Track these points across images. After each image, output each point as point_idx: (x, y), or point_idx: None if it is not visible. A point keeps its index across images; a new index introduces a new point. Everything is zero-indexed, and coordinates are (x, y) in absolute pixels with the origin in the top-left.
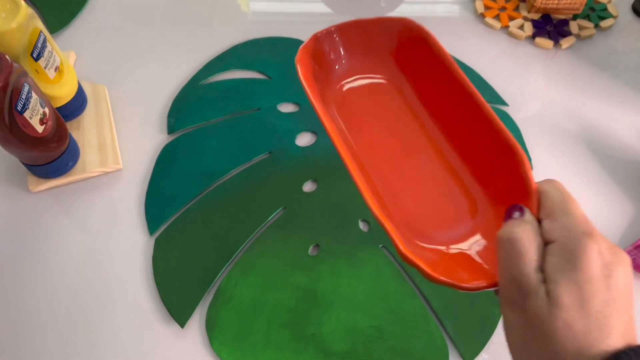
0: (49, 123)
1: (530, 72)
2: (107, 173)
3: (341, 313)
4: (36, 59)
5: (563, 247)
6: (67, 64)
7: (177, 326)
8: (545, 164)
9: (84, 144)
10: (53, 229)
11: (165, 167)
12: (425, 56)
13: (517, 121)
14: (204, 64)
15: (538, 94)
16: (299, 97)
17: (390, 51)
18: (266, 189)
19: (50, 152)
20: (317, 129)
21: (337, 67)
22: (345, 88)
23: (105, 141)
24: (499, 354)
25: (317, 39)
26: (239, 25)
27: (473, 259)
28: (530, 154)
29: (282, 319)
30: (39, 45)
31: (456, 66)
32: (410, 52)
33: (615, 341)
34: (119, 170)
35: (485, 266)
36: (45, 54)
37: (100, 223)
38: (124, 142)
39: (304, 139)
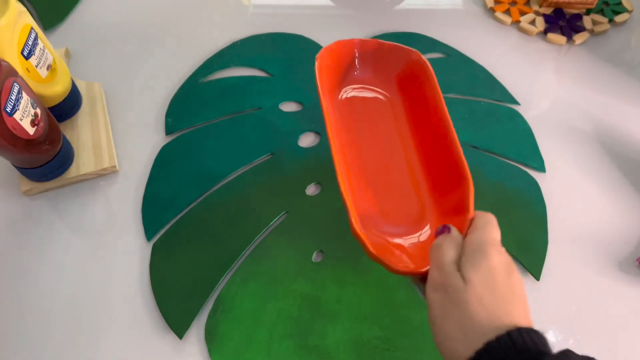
0: (41, 124)
1: (542, 69)
2: (102, 175)
3: (346, 323)
4: (27, 57)
5: (474, 249)
6: (60, 62)
7: (174, 337)
8: (558, 165)
9: (78, 145)
10: (47, 234)
11: (163, 170)
12: (421, 85)
13: (528, 120)
14: (203, 61)
15: (550, 92)
16: (302, 96)
17: (396, 73)
18: (268, 193)
19: (43, 155)
20: (320, 129)
21: (348, 74)
22: (350, 94)
23: (101, 142)
24: None
25: (339, 44)
26: (239, 20)
27: (407, 251)
28: (543, 154)
29: (285, 330)
30: (30, 42)
31: (442, 102)
32: (411, 78)
33: (519, 319)
34: (115, 172)
35: (409, 260)
36: (37, 51)
37: (96, 228)
38: (120, 143)
39: (307, 140)
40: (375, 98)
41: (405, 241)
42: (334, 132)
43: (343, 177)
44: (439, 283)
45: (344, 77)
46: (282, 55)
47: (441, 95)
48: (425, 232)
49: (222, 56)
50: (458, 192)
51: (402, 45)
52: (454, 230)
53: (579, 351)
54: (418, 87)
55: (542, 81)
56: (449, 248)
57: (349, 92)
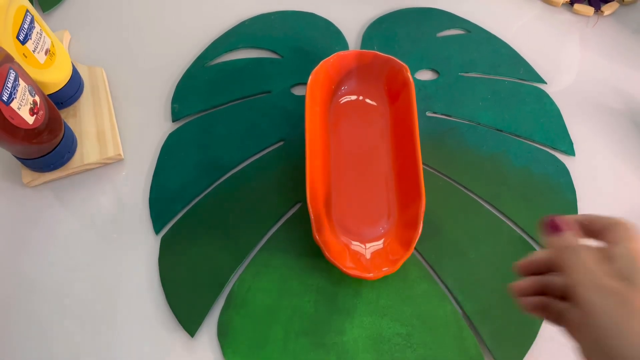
0: (41, 113)
1: (569, 43)
2: (107, 164)
3: (365, 319)
4: (23, 42)
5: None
6: (59, 46)
7: (186, 335)
8: (589, 148)
9: (81, 133)
10: (51, 227)
11: (170, 158)
12: (403, 102)
13: (555, 99)
14: (209, 43)
15: (578, 68)
16: None
17: (387, 85)
18: (280, 182)
19: (44, 145)
20: None
21: (345, 83)
22: (344, 100)
23: (105, 130)
24: None
25: (338, 57)
26: None
27: (364, 256)
28: (572, 136)
29: (301, 326)
30: (26, 26)
31: (415, 123)
32: (397, 92)
33: None
34: (121, 161)
35: (362, 266)
36: (33, 35)
37: (102, 221)
38: (124, 131)
39: None
40: (366, 107)
41: (366, 247)
42: (319, 137)
43: (318, 180)
44: (610, 287)
45: (340, 86)
46: (293, 35)
47: (415, 115)
48: (379, 243)
49: (230, 37)
50: (413, 207)
51: (394, 59)
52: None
53: None
54: (401, 102)
55: (569, 56)
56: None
57: (344, 100)
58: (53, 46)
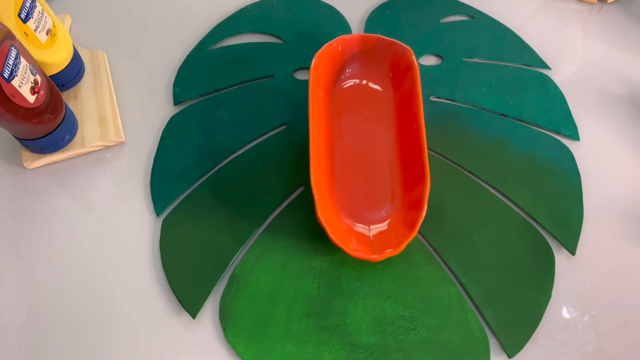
0: (42, 92)
1: (573, 30)
2: (108, 147)
3: (368, 301)
4: (24, 20)
5: None
6: (61, 27)
7: (187, 317)
8: (593, 132)
9: (82, 115)
10: (51, 210)
11: (172, 141)
12: (407, 85)
13: (559, 85)
14: (212, 27)
15: (582, 55)
16: None
17: (391, 69)
18: (283, 165)
19: (44, 125)
20: None
21: (348, 67)
22: (347, 84)
23: (106, 112)
24: (546, 347)
25: (342, 41)
26: None
27: (368, 238)
28: (576, 121)
29: (303, 308)
30: (27, 4)
31: (420, 107)
32: (401, 76)
33: None
34: (122, 144)
35: (366, 247)
36: (35, 14)
37: (103, 203)
38: (126, 114)
39: None
40: (370, 91)
41: (369, 228)
42: (322, 121)
43: (322, 163)
44: None
45: (343, 70)
46: (296, 20)
47: (420, 98)
48: (383, 225)
49: (232, 21)
50: (418, 189)
51: (398, 42)
52: None
53: (616, 329)
54: (406, 86)
55: (573, 43)
56: None
57: (348, 84)
58: (54, 27)
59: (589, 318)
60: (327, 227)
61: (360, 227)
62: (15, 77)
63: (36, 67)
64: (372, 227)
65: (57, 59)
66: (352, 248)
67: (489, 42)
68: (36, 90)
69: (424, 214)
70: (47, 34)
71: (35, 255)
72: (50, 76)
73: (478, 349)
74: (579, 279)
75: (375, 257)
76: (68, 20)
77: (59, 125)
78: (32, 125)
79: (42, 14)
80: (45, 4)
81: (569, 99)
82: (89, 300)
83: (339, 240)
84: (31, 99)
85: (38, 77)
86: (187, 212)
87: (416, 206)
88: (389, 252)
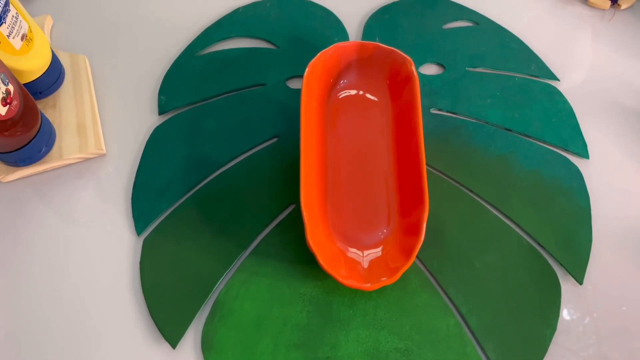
0: (14, 103)
1: (583, 38)
2: (88, 160)
3: (361, 332)
4: None
5: None
6: (38, 31)
7: (167, 346)
8: (604, 150)
9: (60, 125)
10: (27, 225)
11: (155, 154)
12: (406, 98)
13: (568, 98)
14: (200, 31)
15: (593, 65)
16: None
17: (389, 79)
18: (273, 181)
19: (17, 138)
20: None
21: (344, 77)
22: (343, 95)
23: (86, 122)
24: None
25: (338, 48)
26: None
27: (362, 265)
28: (586, 137)
29: (291, 339)
30: None
31: (419, 122)
32: (400, 87)
33: None
34: (102, 156)
35: (357, 275)
36: (8, 19)
37: (80, 220)
38: (107, 124)
39: None
40: (367, 103)
41: (363, 254)
42: (315, 134)
43: (313, 181)
44: None
45: (339, 79)
46: (290, 24)
47: (419, 112)
48: (378, 251)
49: (222, 25)
50: (416, 212)
51: (398, 51)
52: None
53: None
54: (405, 98)
55: (584, 52)
56: None
57: (342, 95)
58: (31, 31)
59: (594, 351)
60: (318, 253)
61: (353, 252)
62: None
63: (9, 75)
64: (366, 252)
65: (33, 66)
66: (344, 276)
67: (494, 50)
68: (8, 101)
69: (422, 240)
70: (22, 39)
71: (5, 273)
72: (26, 84)
73: None
74: (587, 311)
75: (368, 287)
76: (49, 21)
77: (34, 137)
78: (4, 139)
79: (17, 18)
80: (20, 7)
81: (578, 112)
82: (62, 325)
83: (330, 267)
84: (2, 110)
85: (10, 87)
86: (170, 231)
87: (414, 231)
88: (384, 281)
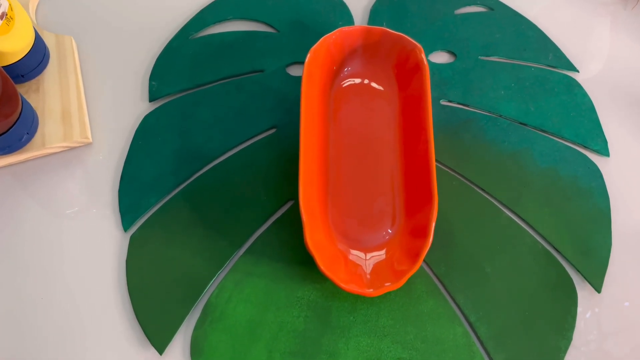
0: None
1: (605, 28)
2: (73, 149)
3: (362, 340)
4: None
5: None
6: (20, 10)
7: (154, 352)
8: (625, 148)
9: (44, 111)
10: (5, 218)
11: (145, 144)
12: (415, 87)
13: (588, 91)
14: (195, 13)
15: (613, 55)
16: None
17: (396, 68)
18: (270, 175)
19: None
20: None
21: (347, 64)
22: (346, 84)
23: (71, 108)
24: None
25: (342, 33)
26: None
27: (364, 269)
28: (606, 133)
29: (287, 346)
30: None
31: (429, 114)
32: (409, 76)
33: None
34: (88, 145)
35: (359, 280)
36: None
37: (64, 214)
38: (94, 111)
39: None
40: (372, 92)
41: (366, 257)
42: (316, 126)
43: (313, 177)
44: None
45: (342, 67)
46: (291, 7)
47: (429, 103)
48: (382, 254)
49: (218, 7)
50: (423, 212)
51: (407, 37)
52: None
53: None
54: (413, 88)
55: (603, 41)
56: None
57: (347, 83)
58: (11, 9)
59: None
60: (317, 255)
61: (355, 255)
62: None
63: None
64: (369, 255)
65: (14, 47)
66: (344, 280)
67: (509, 38)
68: None
69: (429, 243)
70: (2, 18)
71: None
72: (6, 66)
73: None
74: (606, 321)
75: (371, 292)
76: (34, 0)
77: (14, 123)
78: None
79: None
80: None
81: (599, 107)
82: (41, 326)
83: (330, 271)
84: None
85: None
86: (159, 227)
87: (421, 233)
88: (388, 287)
